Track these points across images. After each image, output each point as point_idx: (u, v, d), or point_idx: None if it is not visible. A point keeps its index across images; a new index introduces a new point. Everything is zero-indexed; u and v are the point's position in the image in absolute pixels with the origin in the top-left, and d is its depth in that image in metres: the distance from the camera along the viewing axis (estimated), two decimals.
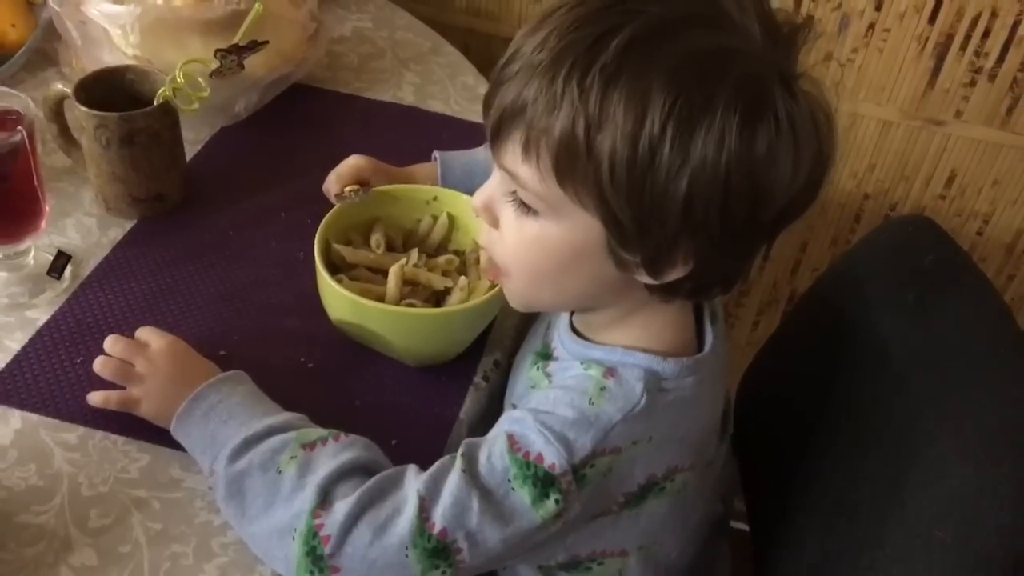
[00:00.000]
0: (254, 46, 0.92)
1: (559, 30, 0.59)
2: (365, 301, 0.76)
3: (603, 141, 0.58)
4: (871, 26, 1.25)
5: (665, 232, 0.60)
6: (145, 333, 0.78)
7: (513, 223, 0.66)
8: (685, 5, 0.60)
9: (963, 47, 1.24)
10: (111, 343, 0.77)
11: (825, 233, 1.44)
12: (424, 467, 0.67)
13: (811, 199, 0.63)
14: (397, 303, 0.79)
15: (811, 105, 0.61)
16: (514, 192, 0.64)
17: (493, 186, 0.67)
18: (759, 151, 0.58)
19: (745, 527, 0.96)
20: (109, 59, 0.97)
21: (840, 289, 0.92)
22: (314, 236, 0.80)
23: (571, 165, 0.60)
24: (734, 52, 0.59)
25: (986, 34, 1.22)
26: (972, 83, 1.26)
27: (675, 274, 0.63)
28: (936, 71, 1.26)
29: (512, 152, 0.62)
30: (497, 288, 0.76)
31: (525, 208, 0.64)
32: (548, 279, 0.67)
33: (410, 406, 0.80)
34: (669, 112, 0.57)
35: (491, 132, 0.64)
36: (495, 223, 0.68)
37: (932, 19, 1.22)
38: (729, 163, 0.57)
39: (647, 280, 0.64)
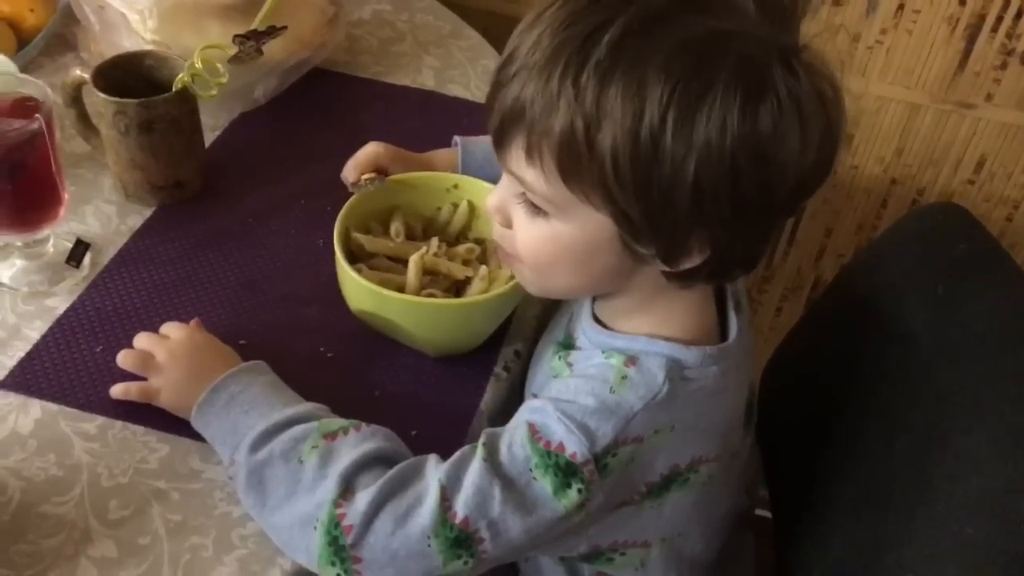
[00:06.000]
0: (273, 31, 0.92)
1: (551, 28, 0.59)
2: (385, 291, 0.75)
3: (604, 138, 0.57)
4: (900, 7, 1.23)
5: (677, 223, 0.60)
6: (167, 326, 0.78)
7: (525, 223, 0.66)
8: None
9: (995, 28, 1.21)
10: (136, 338, 0.77)
11: (851, 219, 1.42)
12: (445, 458, 0.66)
13: (825, 173, 0.62)
14: (417, 293, 0.79)
15: (815, 79, 0.60)
16: (523, 193, 0.64)
17: (503, 188, 0.67)
18: (764, 131, 0.57)
19: (768, 514, 0.95)
20: (127, 44, 0.96)
21: (867, 278, 0.90)
22: (334, 224, 0.79)
23: (575, 165, 0.59)
24: (729, 34, 0.58)
25: (1019, 15, 1.19)
26: (1003, 66, 1.23)
27: (691, 262, 0.63)
28: (967, 53, 1.24)
29: (516, 157, 0.62)
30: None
31: (535, 209, 0.64)
32: (562, 272, 0.67)
33: (430, 397, 0.79)
34: (667, 102, 0.56)
35: (494, 137, 0.64)
36: (508, 224, 0.68)
37: (963, 0, 1.20)
38: (734, 146, 0.57)
39: (664, 269, 0.64)
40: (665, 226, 0.60)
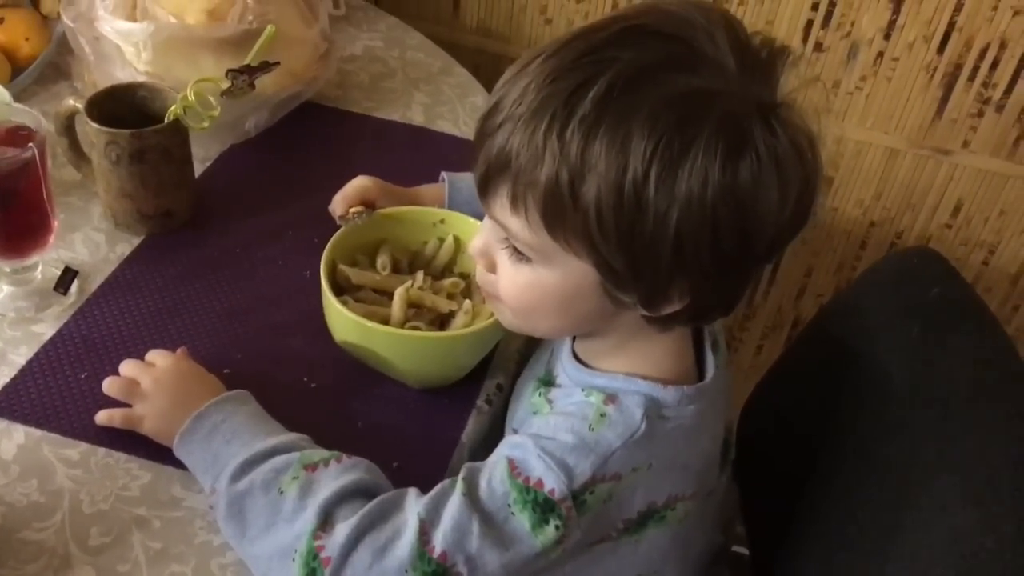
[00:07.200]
0: (266, 67, 0.93)
1: (537, 82, 0.60)
2: (370, 323, 0.76)
3: (588, 190, 0.59)
4: (880, 55, 1.26)
5: (658, 273, 0.61)
6: (153, 354, 0.78)
7: (509, 268, 0.67)
8: (657, 49, 0.60)
9: (971, 77, 1.24)
10: (122, 365, 0.77)
11: (830, 260, 1.44)
12: (425, 490, 0.67)
13: (802, 223, 0.64)
14: (402, 326, 0.80)
15: (792, 134, 0.61)
16: (507, 239, 0.65)
17: (487, 232, 0.68)
18: (744, 185, 0.59)
19: (745, 551, 0.96)
20: (121, 75, 0.98)
21: (845, 319, 0.92)
22: (321, 255, 0.80)
23: (559, 216, 0.60)
24: (711, 93, 0.59)
25: (994, 65, 1.22)
26: (980, 113, 1.26)
27: (672, 308, 0.64)
28: (944, 101, 1.27)
29: (501, 205, 0.63)
30: None
31: (519, 255, 0.65)
32: (544, 315, 0.68)
33: (412, 428, 0.80)
34: (651, 157, 0.57)
35: (479, 185, 0.65)
36: (492, 267, 0.69)
37: (941, 49, 1.23)
38: (715, 200, 0.58)
39: (645, 314, 0.65)
40: (647, 275, 0.62)
